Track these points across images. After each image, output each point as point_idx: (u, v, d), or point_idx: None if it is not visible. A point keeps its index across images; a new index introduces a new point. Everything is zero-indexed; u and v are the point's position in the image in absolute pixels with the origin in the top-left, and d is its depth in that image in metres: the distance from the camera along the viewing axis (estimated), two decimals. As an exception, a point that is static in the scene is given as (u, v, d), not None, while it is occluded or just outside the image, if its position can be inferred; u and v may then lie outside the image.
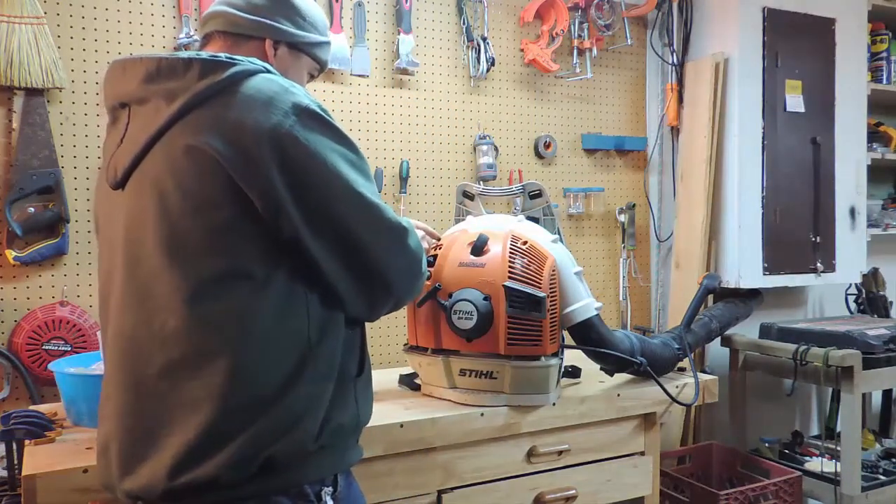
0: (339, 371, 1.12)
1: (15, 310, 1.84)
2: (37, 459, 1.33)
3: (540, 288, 1.60)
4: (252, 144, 1.00)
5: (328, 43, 1.33)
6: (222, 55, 1.07)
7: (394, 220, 1.14)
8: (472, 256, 1.65)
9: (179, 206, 1.02)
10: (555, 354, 1.67)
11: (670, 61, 2.73)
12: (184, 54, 1.07)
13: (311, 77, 1.35)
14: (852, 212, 2.77)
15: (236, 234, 1.02)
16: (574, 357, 1.85)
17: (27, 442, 1.43)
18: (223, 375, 1.01)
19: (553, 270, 1.66)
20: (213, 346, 1.02)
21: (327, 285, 1.09)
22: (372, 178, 1.14)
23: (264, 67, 1.10)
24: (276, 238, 1.04)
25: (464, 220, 1.93)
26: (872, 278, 2.92)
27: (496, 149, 2.44)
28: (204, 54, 1.07)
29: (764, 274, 2.57)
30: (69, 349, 1.82)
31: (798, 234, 2.65)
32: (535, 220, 1.91)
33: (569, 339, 1.77)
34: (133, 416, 1.06)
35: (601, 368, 1.87)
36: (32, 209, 1.82)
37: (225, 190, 1.01)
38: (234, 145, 1.00)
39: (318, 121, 1.06)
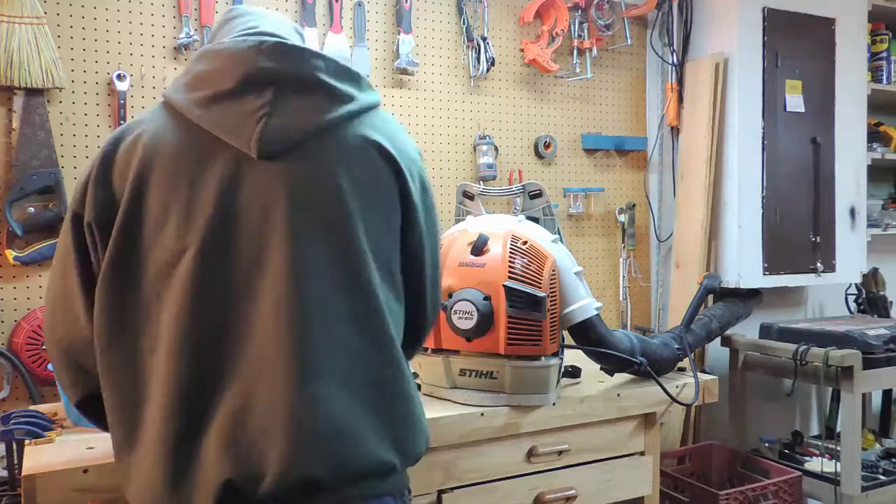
0: None
1: (15, 310, 1.84)
2: (37, 459, 1.33)
3: (540, 288, 1.60)
4: (410, 164, 1.14)
5: None
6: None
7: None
8: (472, 256, 1.65)
9: (367, 199, 1.08)
10: (555, 354, 1.67)
11: (670, 61, 2.73)
12: (346, 64, 1.15)
13: None
14: (852, 212, 2.77)
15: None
16: (574, 357, 1.85)
17: (27, 442, 1.43)
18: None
19: (553, 270, 1.66)
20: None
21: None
22: None
23: None
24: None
25: (464, 220, 1.93)
26: (872, 278, 2.92)
27: (496, 149, 2.44)
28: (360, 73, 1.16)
29: (764, 274, 2.57)
30: (69, 349, 1.81)
31: (798, 234, 2.65)
32: (535, 220, 1.91)
33: (569, 339, 1.77)
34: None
35: (601, 368, 1.87)
36: (32, 209, 1.83)
37: (395, 189, 1.11)
38: (402, 157, 1.12)
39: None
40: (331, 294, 1.03)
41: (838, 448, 2.39)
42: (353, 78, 1.13)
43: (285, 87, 1.06)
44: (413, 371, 1.81)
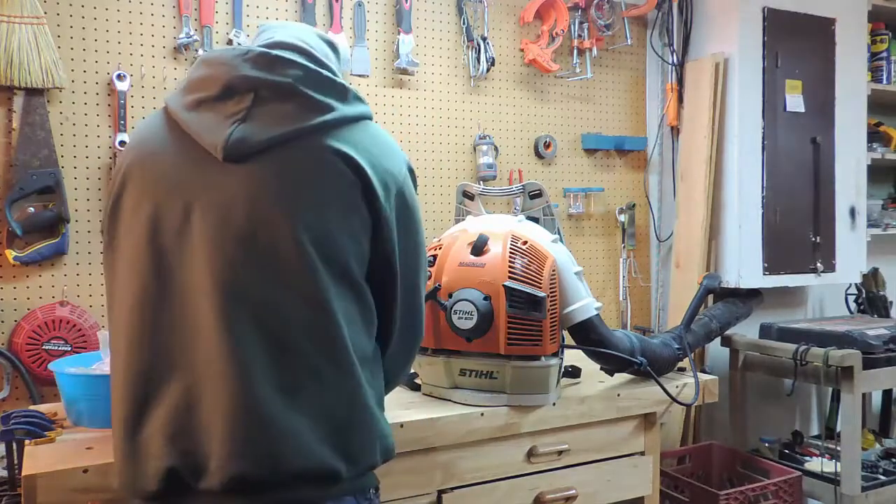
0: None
1: (15, 310, 1.84)
2: (37, 459, 1.33)
3: (540, 288, 1.60)
4: (385, 177, 1.13)
5: None
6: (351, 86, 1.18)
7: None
8: (472, 256, 1.65)
9: (322, 207, 1.08)
10: (555, 354, 1.67)
11: (670, 61, 2.73)
12: (330, 75, 1.16)
13: None
14: (852, 212, 2.77)
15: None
16: (574, 357, 1.85)
17: (27, 442, 1.43)
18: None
19: (553, 270, 1.66)
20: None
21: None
22: None
23: None
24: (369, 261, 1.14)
25: (464, 220, 1.93)
26: (872, 278, 2.92)
27: (496, 149, 2.44)
28: (348, 84, 1.17)
29: (764, 274, 2.57)
30: (69, 349, 1.82)
31: (798, 234, 2.65)
32: (535, 220, 1.91)
33: (569, 339, 1.77)
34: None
35: (601, 368, 1.87)
36: (32, 209, 1.83)
37: (361, 200, 1.10)
38: (375, 170, 1.11)
39: (414, 181, 1.23)
40: (272, 295, 1.05)
41: (838, 448, 2.39)
42: (338, 91, 1.15)
43: (264, 95, 1.10)
44: (412, 370, 1.82)
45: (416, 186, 1.23)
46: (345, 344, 1.07)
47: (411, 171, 1.21)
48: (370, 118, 1.19)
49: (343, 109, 1.13)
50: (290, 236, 1.05)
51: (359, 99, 1.17)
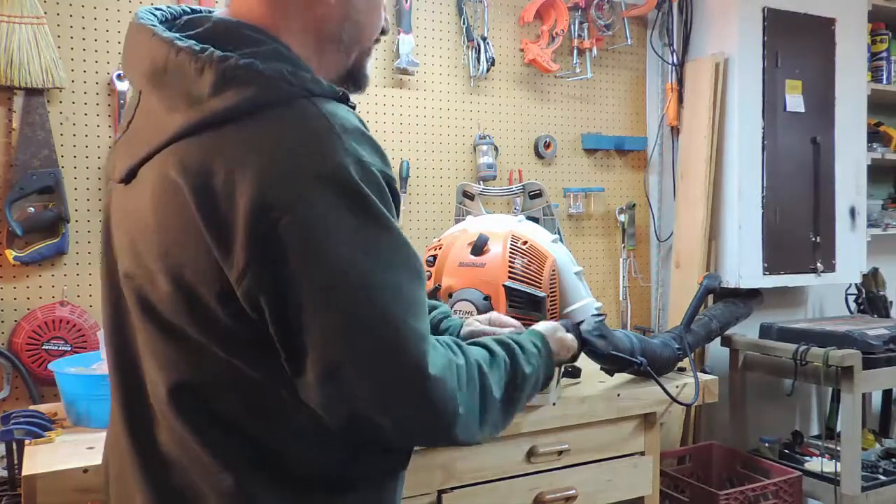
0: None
1: (15, 310, 1.84)
2: (37, 459, 1.33)
3: (540, 288, 1.60)
4: (242, 212, 0.74)
5: None
6: (251, 63, 0.77)
7: (420, 359, 0.78)
8: (472, 256, 1.65)
9: (155, 253, 0.82)
10: (555, 354, 1.67)
11: (670, 61, 2.74)
12: (199, 51, 0.78)
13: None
14: (852, 212, 2.77)
15: (211, 315, 0.80)
16: (574, 357, 1.85)
17: (27, 442, 1.43)
18: None
19: (553, 270, 1.65)
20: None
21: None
22: (412, 281, 0.80)
23: (306, 90, 0.78)
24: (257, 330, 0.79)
25: (464, 220, 1.93)
26: (872, 278, 2.92)
27: (496, 149, 2.44)
28: (231, 58, 0.77)
29: (764, 274, 2.57)
30: (69, 349, 1.82)
31: (798, 234, 2.65)
32: (535, 220, 1.91)
33: (569, 339, 1.77)
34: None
35: (601, 368, 1.87)
36: (32, 209, 1.83)
37: (205, 257, 0.77)
38: (219, 203, 0.75)
39: (348, 198, 0.75)
40: (143, 355, 0.87)
41: (838, 448, 2.39)
42: (182, 73, 0.78)
43: (145, 86, 0.84)
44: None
45: (358, 201, 0.76)
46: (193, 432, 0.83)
47: (335, 179, 0.75)
48: (265, 103, 0.76)
49: (201, 108, 0.77)
50: (149, 285, 0.84)
51: (234, 78, 0.76)
